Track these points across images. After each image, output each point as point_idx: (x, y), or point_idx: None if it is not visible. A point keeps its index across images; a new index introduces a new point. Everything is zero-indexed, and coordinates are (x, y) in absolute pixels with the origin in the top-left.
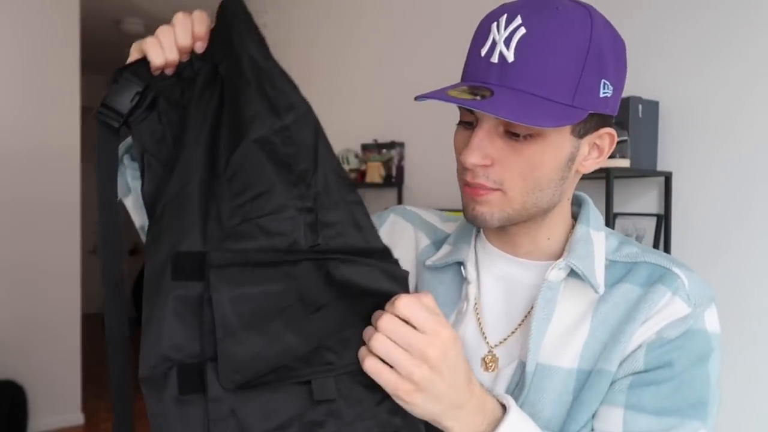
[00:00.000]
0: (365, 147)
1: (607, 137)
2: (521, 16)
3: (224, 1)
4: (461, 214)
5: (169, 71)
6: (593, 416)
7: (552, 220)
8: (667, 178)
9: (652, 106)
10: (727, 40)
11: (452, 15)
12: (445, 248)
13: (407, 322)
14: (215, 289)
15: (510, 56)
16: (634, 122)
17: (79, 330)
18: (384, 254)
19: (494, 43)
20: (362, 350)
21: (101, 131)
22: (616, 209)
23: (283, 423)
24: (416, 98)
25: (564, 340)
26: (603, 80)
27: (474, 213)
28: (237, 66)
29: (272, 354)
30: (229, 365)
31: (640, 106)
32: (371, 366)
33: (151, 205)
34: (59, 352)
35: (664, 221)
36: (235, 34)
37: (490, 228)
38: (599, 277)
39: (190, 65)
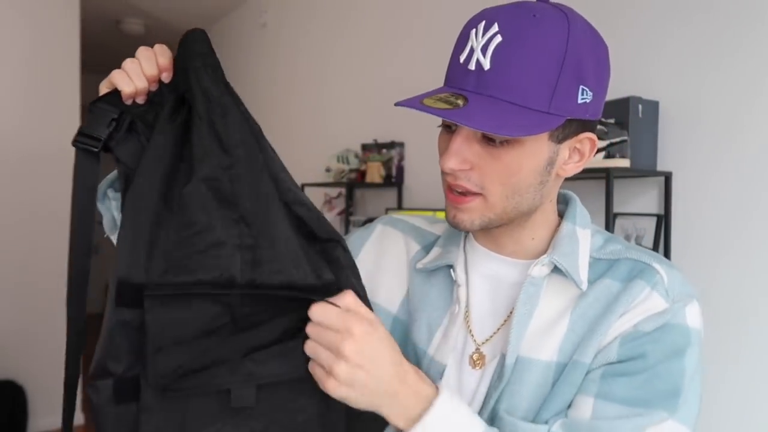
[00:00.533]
0: (365, 147)
1: (587, 142)
2: (498, 24)
3: (186, 33)
4: None
5: (140, 99)
6: (569, 406)
7: (535, 222)
8: (667, 178)
9: (652, 106)
10: (727, 40)
11: (453, 15)
12: (435, 251)
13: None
14: (149, 311)
15: (486, 64)
16: (634, 122)
17: None
18: (326, 290)
19: (472, 50)
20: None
21: (81, 159)
22: (616, 209)
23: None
24: (396, 104)
25: (544, 334)
26: (581, 86)
27: (455, 220)
28: (193, 100)
29: (197, 365)
30: (155, 372)
31: (640, 106)
32: (310, 367)
33: None
34: (59, 352)
35: (664, 221)
36: (191, 68)
37: (472, 231)
38: (583, 273)
39: (160, 93)
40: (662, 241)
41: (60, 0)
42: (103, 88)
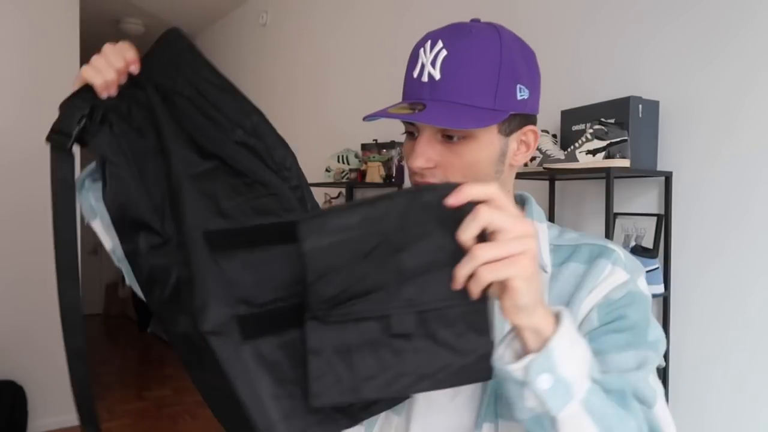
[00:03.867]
0: (365, 147)
1: (531, 134)
2: (442, 41)
3: (166, 32)
4: None
5: (113, 91)
6: None
7: None
8: (667, 178)
9: (652, 106)
10: (727, 39)
11: (451, 16)
12: None
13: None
14: (304, 241)
15: (437, 74)
16: (634, 122)
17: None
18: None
19: (423, 66)
20: (465, 269)
21: (54, 155)
22: (616, 209)
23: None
24: (364, 118)
25: None
26: (518, 85)
27: None
28: (205, 84)
29: (358, 290)
30: (317, 300)
31: (640, 106)
32: (489, 268)
33: (120, 208)
34: (59, 352)
35: (664, 221)
36: (185, 62)
37: None
38: (546, 258)
39: (131, 86)
40: (662, 241)
41: (60, 0)
42: (75, 86)
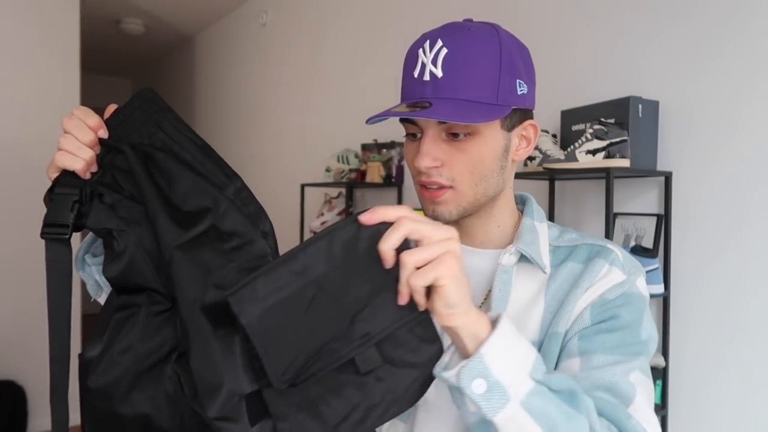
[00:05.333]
0: (365, 147)
1: (531, 128)
2: (441, 40)
3: (141, 91)
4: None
5: (94, 168)
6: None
7: (499, 209)
8: (667, 178)
9: (652, 106)
10: (727, 40)
11: (451, 17)
12: None
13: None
14: (239, 315)
15: (439, 73)
16: (634, 122)
17: (80, 330)
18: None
19: (423, 65)
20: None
21: (51, 248)
22: (616, 209)
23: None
24: (368, 121)
25: (523, 318)
26: (518, 80)
27: (435, 213)
28: (189, 143)
29: (313, 346)
30: (275, 372)
31: (640, 106)
32: (419, 274)
33: (125, 277)
34: None
35: (664, 221)
36: (165, 120)
37: (450, 222)
38: (545, 259)
39: (107, 153)
40: (662, 241)
41: (60, 0)
42: (51, 174)
